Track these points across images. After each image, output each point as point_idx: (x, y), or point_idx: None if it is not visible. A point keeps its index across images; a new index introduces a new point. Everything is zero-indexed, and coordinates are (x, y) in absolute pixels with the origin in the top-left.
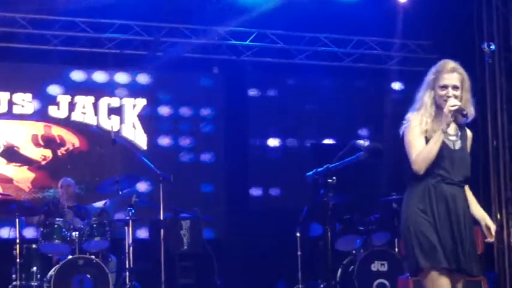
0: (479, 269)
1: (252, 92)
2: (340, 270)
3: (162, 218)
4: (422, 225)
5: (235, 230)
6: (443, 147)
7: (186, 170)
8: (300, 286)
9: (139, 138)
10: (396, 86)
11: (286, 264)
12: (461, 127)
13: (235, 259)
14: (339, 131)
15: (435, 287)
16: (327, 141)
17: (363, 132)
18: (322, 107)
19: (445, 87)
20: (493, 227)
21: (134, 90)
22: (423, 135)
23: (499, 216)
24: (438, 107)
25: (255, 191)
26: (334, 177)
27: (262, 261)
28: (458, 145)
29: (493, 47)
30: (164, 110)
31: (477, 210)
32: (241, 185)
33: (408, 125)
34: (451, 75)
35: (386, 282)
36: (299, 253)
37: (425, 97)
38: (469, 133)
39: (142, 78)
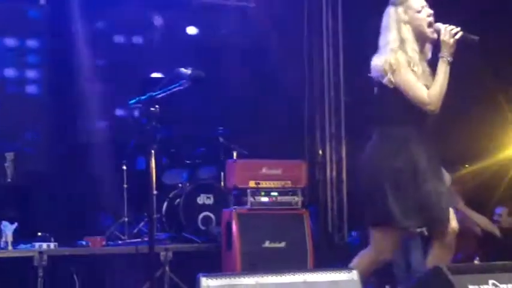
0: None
1: (80, 25)
2: (166, 203)
3: None
4: (399, 186)
5: (60, 163)
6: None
7: (12, 102)
8: (126, 219)
9: None
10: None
11: (112, 197)
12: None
13: (59, 192)
14: (168, 66)
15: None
16: (155, 75)
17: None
18: (150, 42)
19: (422, 8)
20: None
21: None
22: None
23: (321, 152)
24: (421, 40)
25: (82, 124)
26: (157, 106)
27: (88, 194)
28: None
29: None
30: None
31: None
32: (68, 118)
33: (397, 66)
34: None
35: (211, 215)
36: (125, 186)
37: (403, 33)
38: None
39: None
